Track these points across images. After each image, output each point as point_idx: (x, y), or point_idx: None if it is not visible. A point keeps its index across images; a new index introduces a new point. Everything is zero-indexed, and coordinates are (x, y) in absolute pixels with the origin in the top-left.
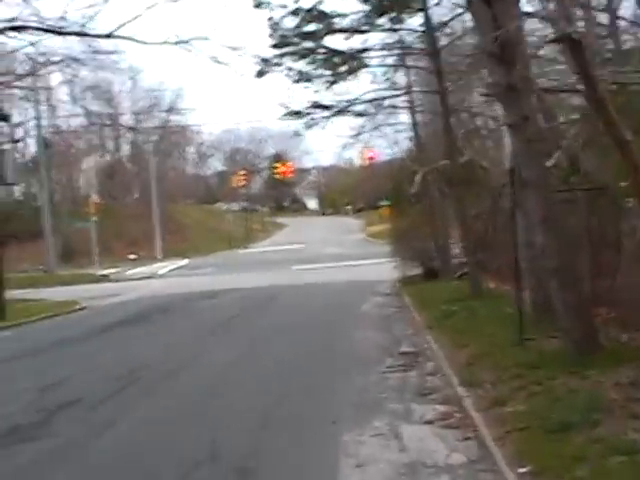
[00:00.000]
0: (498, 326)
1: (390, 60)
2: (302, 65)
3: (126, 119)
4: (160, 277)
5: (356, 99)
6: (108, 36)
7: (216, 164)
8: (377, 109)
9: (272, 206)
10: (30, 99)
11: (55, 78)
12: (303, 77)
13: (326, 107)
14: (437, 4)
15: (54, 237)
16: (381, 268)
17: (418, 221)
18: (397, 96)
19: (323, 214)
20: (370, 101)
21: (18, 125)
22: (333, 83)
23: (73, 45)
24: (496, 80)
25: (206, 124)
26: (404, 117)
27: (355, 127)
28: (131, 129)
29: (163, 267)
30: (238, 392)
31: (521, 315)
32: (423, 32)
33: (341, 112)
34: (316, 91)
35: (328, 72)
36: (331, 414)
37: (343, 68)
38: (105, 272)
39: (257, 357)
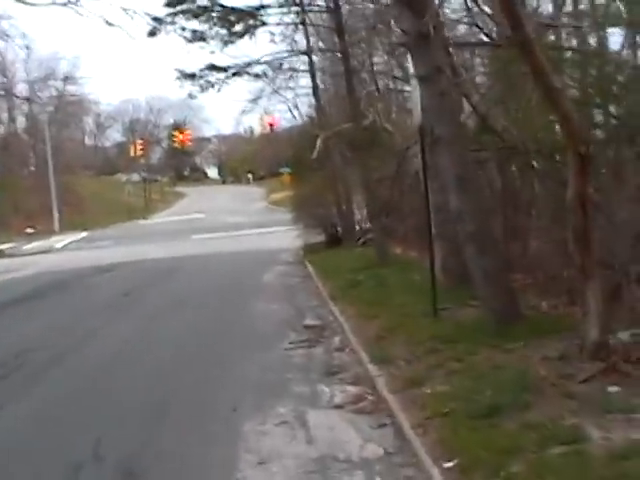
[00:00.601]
0: (408, 295)
1: (288, 19)
2: (196, 24)
3: (20, 89)
4: (58, 251)
5: (253, 61)
6: None
7: (115, 135)
8: (276, 72)
9: (172, 176)
10: None
11: None
12: (197, 37)
13: (222, 69)
14: None
15: None
16: (283, 236)
17: (320, 187)
18: (296, 55)
19: (224, 182)
20: (268, 62)
21: None
22: (228, 42)
23: None
24: (406, 28)
25: (103, 93)
26: (304, 81)
27: (254, 91)
28: (26, 99)
29: (61, 240)
30: (130, 378)
31: (434, 283)
32: None
33: (237, 74)
34: (212, 52)
35: (224, 31)
36: (230, 399)
37: (239, 27)
38: (0, 247)
39: (152, 336)
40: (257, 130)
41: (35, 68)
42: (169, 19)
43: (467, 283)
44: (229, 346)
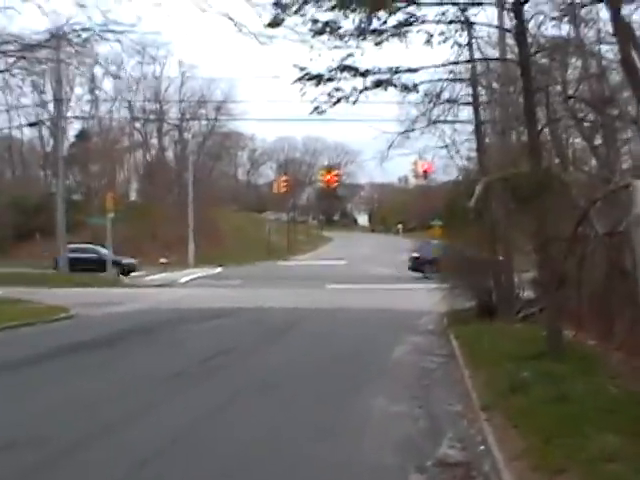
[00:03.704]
0: (612, 429)
1: (450, 15)
2: (329, 15)
3: (173, 116)
4: (179, 286)
5: (402, 68)
6: None
7: (269, 172)
8: (433, 100)
9: (321, 219)
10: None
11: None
12: (330, 28)
13: (358, 72)
14: None
15: (78, 234)
16: (427, 295)
17: (474, 244)
18: (458, 64)
19: (373, 231)
20: (418, 70)
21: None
22: (367, 37)
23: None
24: None
25: (259, 129)
26: (464, 113)
27: (405, 124)
28: (176, 126)
29: (189, 274)
30: None
31: None
32: None
33: (380, 84)
34: (350, 54)
35: (365, 25)
36: None
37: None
38: (122, 276)
39: (220, 433)
40: (410, 179)
41: (189, 96)
42: (295, 6)
43: None
44: None
